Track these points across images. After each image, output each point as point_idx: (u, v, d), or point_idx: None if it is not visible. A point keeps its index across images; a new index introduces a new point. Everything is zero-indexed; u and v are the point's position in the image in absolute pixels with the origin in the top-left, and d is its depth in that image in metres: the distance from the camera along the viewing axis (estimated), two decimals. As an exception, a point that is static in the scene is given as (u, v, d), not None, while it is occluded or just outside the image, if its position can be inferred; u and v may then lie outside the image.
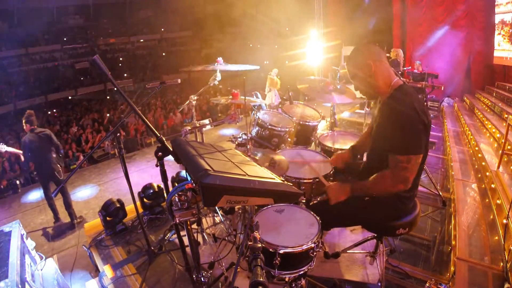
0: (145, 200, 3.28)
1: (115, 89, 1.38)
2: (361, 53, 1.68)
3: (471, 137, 4.48)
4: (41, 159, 4.03)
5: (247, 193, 1.15)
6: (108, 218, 3.10)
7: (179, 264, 2.49)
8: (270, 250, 1.52)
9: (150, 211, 3.26)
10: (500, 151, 3.18)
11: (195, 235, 2.26)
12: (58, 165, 4.16)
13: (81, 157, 9.79)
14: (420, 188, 3.03)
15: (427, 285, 1.85)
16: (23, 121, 3.98)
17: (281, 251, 1.51)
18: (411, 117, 1.49)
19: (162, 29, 26.04)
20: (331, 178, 2.21)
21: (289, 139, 2.87)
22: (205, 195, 1.08)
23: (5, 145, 3.79)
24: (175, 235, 2.76)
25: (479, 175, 3.33)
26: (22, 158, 3.99)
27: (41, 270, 2.08)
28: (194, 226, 2.42)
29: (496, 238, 2.26)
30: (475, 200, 2.83)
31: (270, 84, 8.22)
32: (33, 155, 3.99)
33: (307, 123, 2.96)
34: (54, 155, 4.14)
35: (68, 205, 4.18)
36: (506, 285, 1.77)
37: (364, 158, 2.58)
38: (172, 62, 23.51)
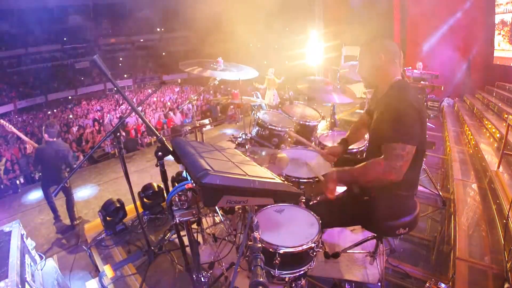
0: (145, 200, 3.28)
1: (115, 89, 1.38)
2: (380, 43, 1.71)
3: (471, 137, 4.48)
4: (51, 172, 3.95)
5: (247, 193, 1.15)
6: (108, 218, 3.10)
7: (179, 264, 2.49)
8: (270, 250, 1.52)
9: (150, 211, 3.26)
10: (500, 151, 3.18)
11: (195, 235, 2.25)
12: (66, 173, 4.10)
13: (81, 157, 9.79)
14: (420, 188, 3.03)
15: (427, 285, 1.84)
16: (43, 128, 3.91)
17: (281, 251, 1.51)
18: (404, 108, 1.53)
19: (162, 29, 26.06)
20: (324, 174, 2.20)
21: (289, 139, 2.87)
22: (205, 195, 1.08)
23: (11, 126, 3.65)
24: (175, 235, 2.76)
25: (479, 175, 3.33)
26: (28, 148, 3.83)
27: (41, 270, 2.08)
28: (194, 226, 2.42)
29: (496, 238, 2.26)
30: (475, 200, 2.83)
31: (267, 84, 8.24)
32: (43, 167, 3.91)
33: (307, 123, 2.96)
34: (63, 167, 4.08)
35: (70, 206, 4.14)
36: (506, 285, 1.77)
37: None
38: (172, 62, 23.52)
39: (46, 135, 3.85)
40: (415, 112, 1.52)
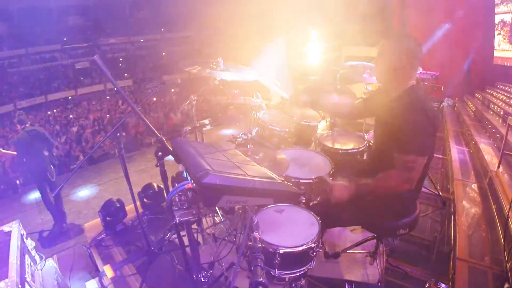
0: (145, 200, 3.28)
1: (115, 89, 1.38)
2: (403, 44, 1.62)
3: (471, 137, 4.47)
4: (31, 158, 3.82)
5: (247, 193, 1.15)
6: (108, 218, 3.09)
7: (179, 264, 2.48)
8: (270, 250, 1.52)
9: (150, 211, 3.25)
10: (500, 151, 3.18)
11: (195, 235, 2.25)
12: (51, 166, 4.01)
13: (81, 157, 9.79)
14: (420, 188, 3.02)
15: (427, 285, 1.85)
16: (15, 122, 3.88)
17: (281, 251, 1.51)
18: (418, 119, 1.49)
19: (162, 29, 26.04)
20: (331, 178, 2.20)
21: (289, 139, 2.87)
22: (205, 195, 1.08)
23: (0, 148, 3.70)
24: (175, 235, 2.76)
25: (479, 175, 3.33)
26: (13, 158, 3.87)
27: (41, 270, 2.08)
28: (194, 226, 2.41)
29: (496, 238, 2.25)
30: (475, 200, 2.82)
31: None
32: (22, 154, 3.81)
33: (307, 123, 2.96)
34: (47, 154, 3.99)
35: (59, 208, 4.07)
36: (506, 285, 1.77)
37: (364, 157, 2.59)
38: (172, 62, 23.52)
39: (19, 126, 3.83)
40: (429, 124, 1.50)
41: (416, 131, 1.49)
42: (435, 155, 4.55)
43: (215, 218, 2.83)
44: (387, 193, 1.60)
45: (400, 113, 1.56)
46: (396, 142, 1.54)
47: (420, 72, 6.01)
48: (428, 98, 1.63)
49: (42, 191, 4.06)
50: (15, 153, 3.85)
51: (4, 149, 4.08)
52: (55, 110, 18.68)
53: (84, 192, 5.29)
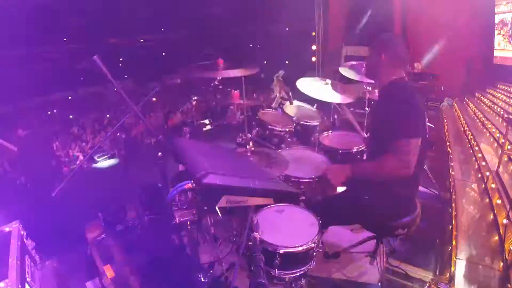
0: (145, 200, 3.28)
1: (115, 89, 1.39)
2: (383, 42, 1.79)
3: (471, 137, 4.48)
4: (31, 166, 3.87)
5: (247, 193, 1.15)
6: (108, 218, 3.10)
7: (180, 264, 2.48)
8: (270, 250, 1.52)
9: (150, 211, 3.25)
10: (500, 151, 3.18)
11: (195, 235, 2.25)
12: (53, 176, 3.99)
13: (81, 157, 9.78)
14: (420, 188, 3.03)
15: (427, 285, 1.85)
16: (18, 126, 3.87)
17: (281, 251, 1.51)
18: (399, 104, 1.61)
19: (162, 29, 26.05)
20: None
21: (289, 139, 2.87)
22: (205, 195, 1.08)
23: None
24: (176, 235, 2.75)
25: (479, 175, 3.33)
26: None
27: (41, 270, 2.08)
28: (194, 225, 2.41)
29: (496, 238, 2.26)
30: (475, 200, 2.83)
31: (275, 88, 8.01)
32: (23, 162, 3.83)
33: (307, 123, 2.96)
34: (54, 163, 3.98)
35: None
36: (507, 285, 1.77)
37: (364, 157, 2.59)
38: (172, 62, 23.53)
39: (20, 130, 3.81)
40: (410, 107, 1.59)
41: (401, 116, 1.58)
42: (435, 155, 4.58)
43: (215, 218, 2.82)
44: (384, 177, 1.62)
45: (386, 103, 1.72)
46: (388, 130, 1.61)
47: (420, 72, 6.01)
48: (409, 88, 1.73)
49: (43, 191, 4.06)
50: (14, 148, 3.81)
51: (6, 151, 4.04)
52: (55, 110, 18.66)
53: (84, 192, 5.29)
